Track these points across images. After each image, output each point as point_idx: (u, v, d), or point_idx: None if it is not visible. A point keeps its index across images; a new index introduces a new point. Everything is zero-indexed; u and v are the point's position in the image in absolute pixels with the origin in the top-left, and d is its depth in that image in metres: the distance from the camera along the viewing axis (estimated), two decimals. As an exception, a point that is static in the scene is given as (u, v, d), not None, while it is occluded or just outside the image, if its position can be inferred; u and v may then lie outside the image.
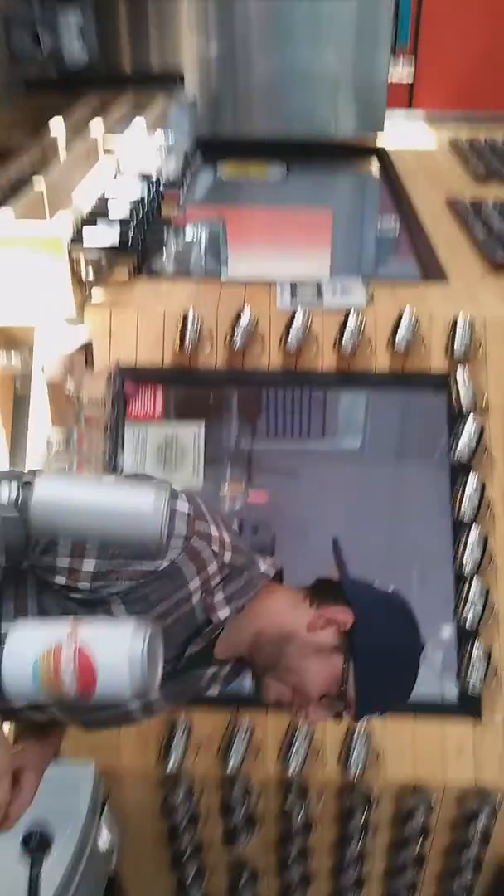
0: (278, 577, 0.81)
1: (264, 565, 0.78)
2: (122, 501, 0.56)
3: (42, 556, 0.66)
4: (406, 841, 1.08)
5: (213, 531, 0.73)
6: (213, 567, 0.72)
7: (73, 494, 0.56)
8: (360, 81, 2.09)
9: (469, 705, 1.06)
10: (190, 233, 1.68)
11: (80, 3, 1.95)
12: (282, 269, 1.79)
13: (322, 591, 0.78)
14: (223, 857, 1.25)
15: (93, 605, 0.68)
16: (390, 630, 0.76)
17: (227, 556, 0.73)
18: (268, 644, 0.75)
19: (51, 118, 1.69)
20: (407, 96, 2.79)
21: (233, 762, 1.08)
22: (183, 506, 0.71)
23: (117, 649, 0.51)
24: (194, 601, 0.71)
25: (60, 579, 0.67)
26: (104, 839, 1.19)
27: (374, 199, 2.06)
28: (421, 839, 1.08)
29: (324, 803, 1.08)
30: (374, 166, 2.14)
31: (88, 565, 0.66)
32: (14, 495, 0.55)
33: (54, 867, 1.07)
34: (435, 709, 1.08)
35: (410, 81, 2.69)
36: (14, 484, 0.56)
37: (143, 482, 0.65)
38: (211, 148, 2.08)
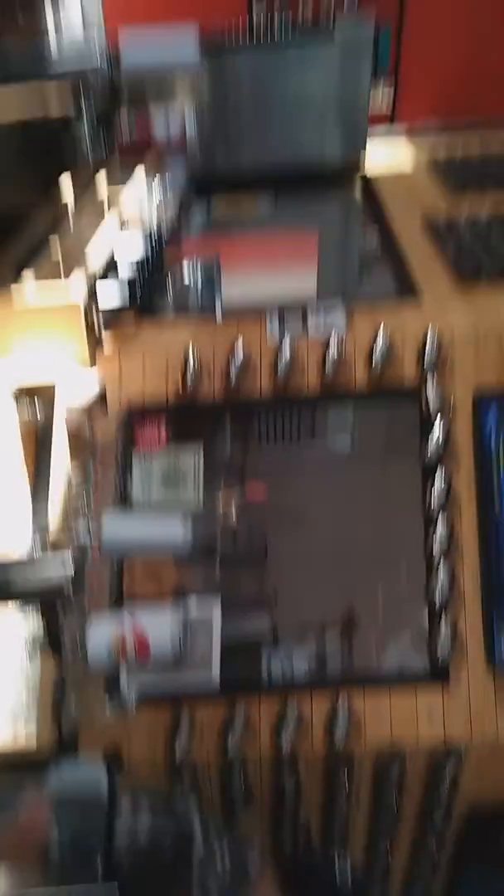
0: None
1: None
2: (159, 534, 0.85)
3: None
4: (383, 793, 1.27)
5: None
6: None
7: (126, 532, 0.85)
8: (343, 111, 2.26)
9: (438, 673, 1.25)
10: (187, 270, 1.89)
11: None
12: (273, 287, 1.99)
13: None
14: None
15: None
16: None
17: None
18: None
19: (59, 174, 1.91)
20: (389, 114, 2.96)
21: (231, 747, 1.25)
22: None
23: (163, 632, 0.81)
24: None
25: None
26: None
27: (357, 220, 2.23)
28: (396, 792, 1.27)
29: (312, 770, 1.28)
30: (358, 189, 2.32)
31: None
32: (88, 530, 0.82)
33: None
34: (409, 678, 1.27)
35: (391, 105, 2.86)
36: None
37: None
38: (204, 185, 2.29)
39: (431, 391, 1.45)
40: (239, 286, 2.00)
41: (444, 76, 2.92)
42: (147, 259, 1.62)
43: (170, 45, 1.22)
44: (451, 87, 2.89)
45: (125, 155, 1.39)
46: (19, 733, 1.17)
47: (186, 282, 1.79)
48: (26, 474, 1.35)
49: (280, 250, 2.20)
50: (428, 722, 1.25)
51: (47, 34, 2.05)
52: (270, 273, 2.09)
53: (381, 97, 2.47)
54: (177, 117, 1.34)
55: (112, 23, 2.95)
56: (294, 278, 2.10)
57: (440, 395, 1.45)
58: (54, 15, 2.14)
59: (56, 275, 1.57)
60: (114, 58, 1.18)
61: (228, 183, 2.29)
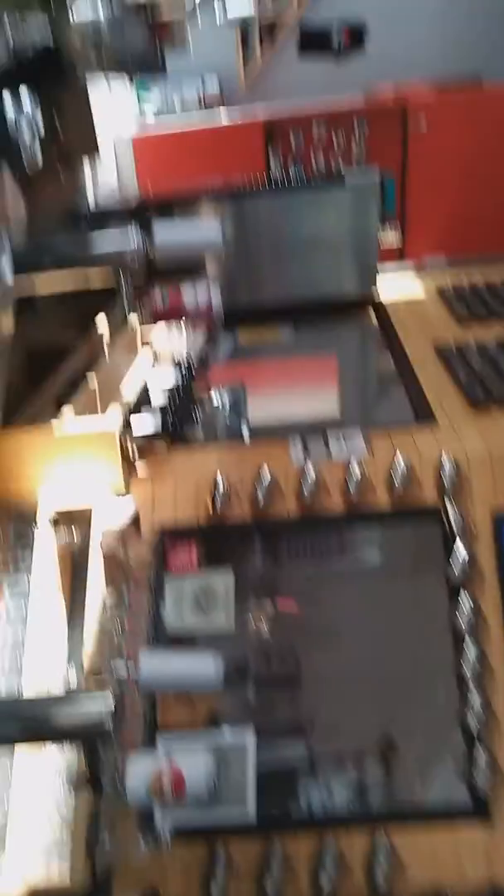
0: None
1: None
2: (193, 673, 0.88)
3: None
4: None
5: None
6: None
7: (162, 671, 0.89)
8: (356, 249, 2.46)
9: (479, 807, 1.22)
10: (215, 396, 2.01)
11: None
12: (298, 408, 2.10)
13: None
14: None
15: None
16: None
17: None
18: None
19: (96, 314, 2.08)
20: (398, 249, 3.20)
21: (270, 888, 1.19)
22: None
23: (198, 769, 0.83)
24: None
25: None
26: None
27: (374, 345, 2.37)
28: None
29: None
30: (372, 316, 2.47)
31: None
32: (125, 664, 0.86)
33: None
34: (449, 813, 1.24)
35: (400, 244, 3.11)
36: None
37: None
38: (229, 317, 2.45)
39: (452, 513, 1.50)
40: (264, 409, 2.11)
41: (446, 218, 3.19)
42: (178, 388, 1.73)
43: (197, 229, 1.40)
44: (453, 228, 3.15)
45: (159, 320, 1.55)
46: (53, 870, 1.14)
47: (215, 406, 1.90)
48: (62, 598, 1.39)
49: (302, 374, 2.33)
50: (471, 861, 1.20)
51: (86, 195, 2.28)
52: (294, 395, 2.21)
53: (390, 236, 2.69)
54: (204, 289, 1.51)
55: (143, 177, 3.27)
56: (317, 400, 2.21)
57: (460, 517, 1.49)
58: (92, 174, 2.38)
59: (93, 406, 1.68)
60: (148, 239, 1.33)
61: (252, 315, 2.45)
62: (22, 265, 1.24)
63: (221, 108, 3.83)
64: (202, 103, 4.19)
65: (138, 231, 1.31)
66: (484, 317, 2.26)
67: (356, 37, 4.18)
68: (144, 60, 1.96)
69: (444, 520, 1.50)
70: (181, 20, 1.99)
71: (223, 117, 3.63)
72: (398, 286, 2.67)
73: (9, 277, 1.07)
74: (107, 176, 3.16)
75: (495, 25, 3.83)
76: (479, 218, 3.13)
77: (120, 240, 1.33)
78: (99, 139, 2.37)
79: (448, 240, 3.12)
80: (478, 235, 3.05)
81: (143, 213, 1.70)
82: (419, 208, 3.22)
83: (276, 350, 2.42)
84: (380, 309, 2.46)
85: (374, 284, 2.50)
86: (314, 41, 4.19)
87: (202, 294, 1.52)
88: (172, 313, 1.54)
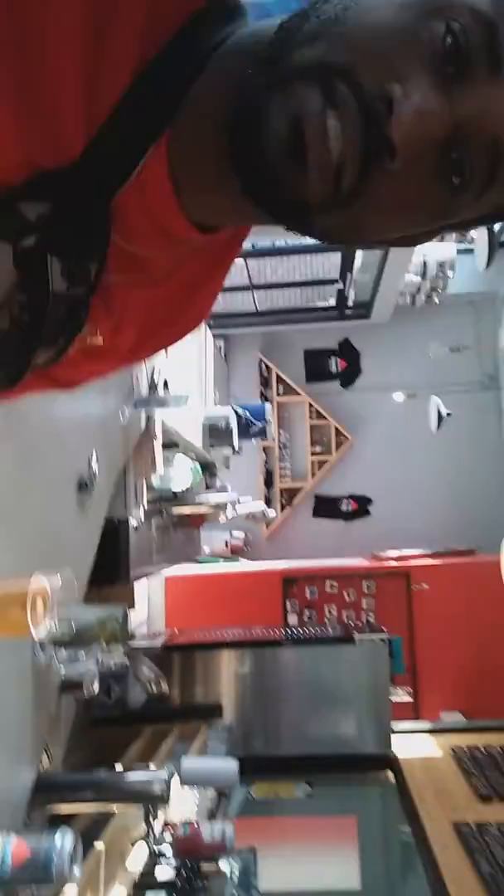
0: None
1: None
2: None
3: None
4: None
5: None
6: None
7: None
8: (369, 706, 2.55)
9: None
10: (224, 866, 1.86)
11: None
12: (314, 875, 1.92)
13: None
14: None
15: None
16: None
17: None
18: None
19: (111, 748, 2.07)
20: (413, 707, 3.29)
21: None
22: None
23: None
24: None
25: None
26: None
27: (392, 808, 2.28)
28: None
29: None
30: (388, 777, 2.43)
31: None
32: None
33: None
34: None
35: (413, 700, 3.23)
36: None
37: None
38: (244, 766, 2.42)
39: None
40: (279, 875, 1.94)
41: (457, 674, 3.36)
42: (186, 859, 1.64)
43: (217, 766, 1.71)
44: (465, 684, 3.29)
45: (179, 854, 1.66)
46: None
47: (224, 874, 1.77)
48: None
49: (320, 836, 2.18)
50: None
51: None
52: (311, 860, 2.05)
53: (403, 695, 2.80)
54: (220, 827, 1.69)
55: (172, 612, 3.58)
56: (335, 867, 2.03)
57: None
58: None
59: (96, 879, 1.58)
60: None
61: (267, 767, 2.42)
62: (67, 796, 1.47)
63: (244, 560, 4.37)
64: (228, 547, 4.78)
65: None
66: (501, 781, 2.22)
67: (362, 506, 4.98)
68: (185, 551, 2.37)
69: None
70: (213, 513, 2.47)
71: (246, 566, 4.12)
72: (414, 744, 2.66)
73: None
74: (139, 609, 3.46)
75: (485, 506, 4.50)
76: (489, 675, 3.29)
77: (150, 775, 1.52)
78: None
79: (462, 696, 3.22)
80: (491, 692, 3.15)
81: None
82: (429, 665, 3.41)
83: (291, 806, 2.33)
84: (395, 768, 2.43)
85: (389, 743, 2.52)
86: (326, 507, 5.00)
87: (217, 831, 1.66)
88: (191, 845, 1.65)
